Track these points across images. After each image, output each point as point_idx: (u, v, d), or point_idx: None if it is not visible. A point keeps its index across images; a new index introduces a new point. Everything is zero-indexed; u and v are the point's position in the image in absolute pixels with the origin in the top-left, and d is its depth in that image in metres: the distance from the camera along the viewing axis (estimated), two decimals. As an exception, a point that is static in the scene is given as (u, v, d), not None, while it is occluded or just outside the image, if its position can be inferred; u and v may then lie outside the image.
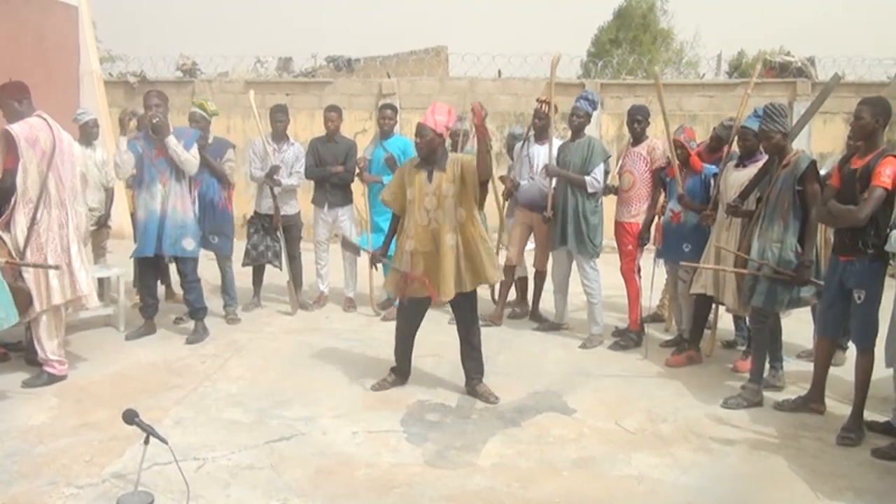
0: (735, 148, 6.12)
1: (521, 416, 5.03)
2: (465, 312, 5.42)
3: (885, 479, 4.14)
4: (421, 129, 5.20)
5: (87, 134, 7.20)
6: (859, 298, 4.68)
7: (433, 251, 5.24)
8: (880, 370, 4.81)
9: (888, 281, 4.75)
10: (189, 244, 6.40)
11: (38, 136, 5.21)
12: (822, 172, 5.30)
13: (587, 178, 6.50)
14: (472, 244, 5.24)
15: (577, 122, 6.63)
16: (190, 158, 6.26)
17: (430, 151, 5.21)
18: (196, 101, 7.26)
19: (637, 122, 6.59)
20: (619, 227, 6.68)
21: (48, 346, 5.38)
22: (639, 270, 6.67)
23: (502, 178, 7.66)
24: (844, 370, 5.70)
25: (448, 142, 7.40)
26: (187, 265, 6.54)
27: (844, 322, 5.16)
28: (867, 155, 4.65)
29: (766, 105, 5.32)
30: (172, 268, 7.10)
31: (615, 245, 6.80)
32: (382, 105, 7.82)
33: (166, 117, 6.27)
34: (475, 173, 5.10)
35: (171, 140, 6.17)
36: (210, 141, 7.14)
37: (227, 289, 7.32)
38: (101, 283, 7.10)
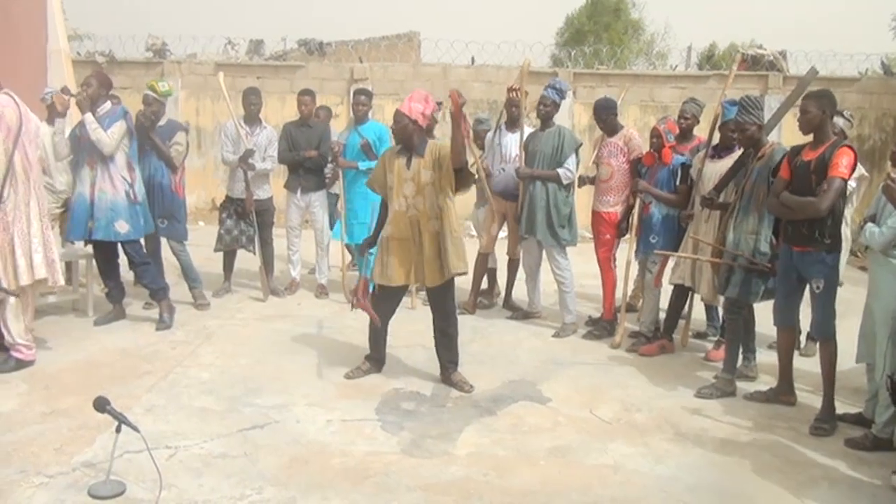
0: (704, 137, 6.18)
1: (496, 405, 5.02)
2: (443, 302, 5.39)
3: (858, 469, 4.19)
4: (395, 115, 5.21)
5: (54, 113, 7.03)
6: (818, 288, 4.76)
7: (410, 238, 5.23)
8: (851, 361, 4.88)
9: (859, 274, 4.80)
10: (122, 227, 6.20)
11: (2, 112, 5.07)
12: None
13: (560, 171, 6.49)
14: (448, 233, 5.21)
15: (545, 110, 6.62)
16: (103, 137, 6.02)
17: (405, 137, 5.20)
18: (149, 82, 7.12)
19: (601, 119, 6.66)
20: (597, 216, 6.69)
21: (14, 328, 5.26)
22: (613, 260, 6.69)
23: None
24: (815, 361, 5.72)
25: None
26: (132, 248, 6.38)
27: (798, 311, 5.21)
28: (819, 147, 4.72)
29: (742, 97, 5.35)
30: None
31: (587, 235, 6.81)
32: (356, 90, 7.75)
33: (97, 99, 6.12)
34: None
35: (87, 117, 6.01)
36: (162, 123, 7.00)
37: (186, 273, 7.21)
38: (69, 267, 6.97)
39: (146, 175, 6.80)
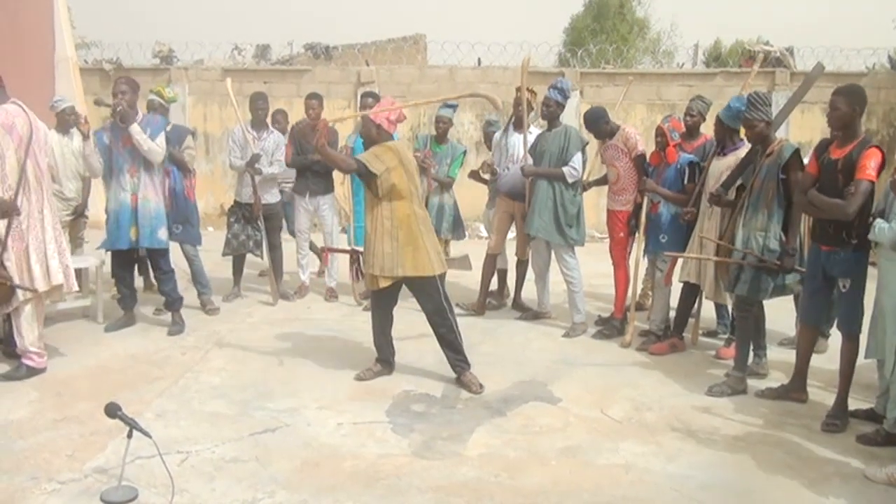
0: (711, 135, 6.20)
1: (506, 406, 5.01)
2: (425, 304, 5.39)
3: (870, 465, 4.14)
4: (363, 120, 5.39)
5: (64, 122, 7.06)
6: (844, 287, 4.71)
7: (370, 235, 5.30)
8: (861, 357, 4.85)
9: (869, 270, 4.77)
10: (164, 234, 6.30)
11: (14, 122, 5.10)
12: (806, 162, 5.31)
13: (565, 169, 6.48)
14: (405, 229, 5.22)
15: (549, 111, 6.63)
16: (154, 148, 6.07)
17: (370, 141, 5.32)
18: (153, 88, 7.14)
19: (595, 131, 6.71)
20: (611, 215, 6.71)
21: (28, 336, 5.27)
22: (627, 258, 6.67)
23: (480, 169, 7.68)
24: (827, 357, 5.73)
25: (430, 132, 7.45)
26: (161, 256, 6.43)
27: (827, 310, 5.18)
28: (847, 145, 4.64)
29: (750, 94, 5.32)
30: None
31: (596, 234, 6.80)
32: (364, 93, 7.78)
33: (134, 105, 6.13)
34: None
35: (135, 129, 6.00)
36: (168, 128, 7.01)
37: (197, 278, 7.23)
38: (79, 273, 6.99)
39: None
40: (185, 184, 7.04)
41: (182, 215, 7.02)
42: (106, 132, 6.22)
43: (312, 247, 8.22)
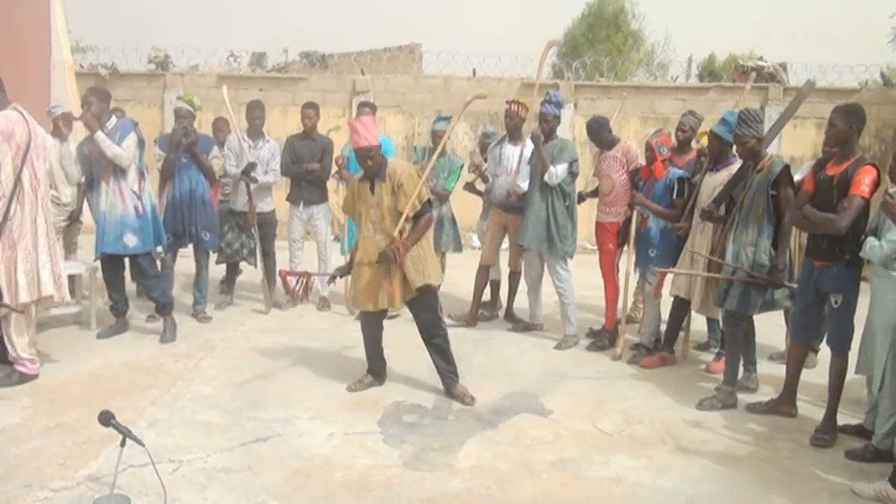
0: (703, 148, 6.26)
1: (498, 418, 5.03)
2: (422, 315, 5.39)
3: (858, 480, 4.18)
4: (364, 152, 5.11)
5: (60, 127, 7.07)
6: (836, 303, 4.74)
7: (378, 263, 5.25)
8: (851, 372, 4.88)
9: (861, 285, 4.81)
10: (130, 241, 6.24)
11: (13, 129, 5.09)
12: (797, 178, 5.35)
13: (549, 169, 6.46)
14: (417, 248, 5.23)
15: (548, 127, 6.65)
16: (119, 152, 6.04)
17: (374, 167, 5.19)
18: (186, 95, 7.14)
19: (596, 139, 6.79)
20: (601, 227, 6.73)
21: (18, 343, 5.27)
22: (617, 270, 6.70)
23: (472, 181, 7.72)
24: (816, 372, 5.76)
25: (427, 144, 7.48)
26: (143, 262, 6.40)
27: (818, 325, 5.22)
28: (843, 162, 4.68)
29: (741, 110, 5.37)
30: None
31: (588, 246, 6.82)
32: (360, 103, 7.81)
33: (103, 114, 6.13)
34: (413, 189, 5.10)
35: (99, 135, 6.02)
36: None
37: (200, 286, 7.25)
38: (72, 279, 6.99)
39: (187, 189, 6.86)
40: (210, 193, 7.08)
41: (210, 223, 7.09)
42: (86, 143, 6.26)
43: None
